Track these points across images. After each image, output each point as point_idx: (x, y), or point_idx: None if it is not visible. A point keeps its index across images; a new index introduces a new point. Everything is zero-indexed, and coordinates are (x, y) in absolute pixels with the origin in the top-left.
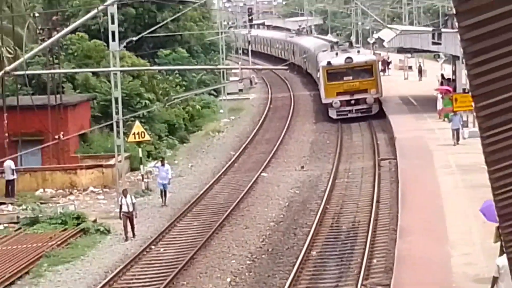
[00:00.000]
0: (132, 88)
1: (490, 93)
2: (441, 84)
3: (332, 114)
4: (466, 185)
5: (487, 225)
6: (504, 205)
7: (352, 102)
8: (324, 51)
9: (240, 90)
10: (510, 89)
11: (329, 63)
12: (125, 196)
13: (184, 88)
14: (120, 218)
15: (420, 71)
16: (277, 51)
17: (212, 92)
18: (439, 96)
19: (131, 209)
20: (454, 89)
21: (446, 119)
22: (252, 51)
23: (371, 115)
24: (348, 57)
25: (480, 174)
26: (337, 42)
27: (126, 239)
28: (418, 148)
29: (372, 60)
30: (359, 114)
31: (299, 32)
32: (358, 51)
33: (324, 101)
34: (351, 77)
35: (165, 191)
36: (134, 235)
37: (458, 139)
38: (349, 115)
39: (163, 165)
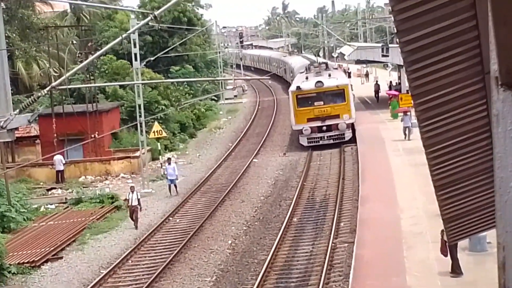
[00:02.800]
0: (151, 97)
1: (425, 92)
2: (389, 87)
3: (303, 141)
4: (411, 164)
5: (428, 193)
6: (438, 178)
7: (324, 128)
8: (301, 72)
9: (235, 96)
10: (440, 89)
11: (298, 87)
12: (132, 192)
13: (191, 95)
14: (128, 210)
15: (367, 75)
16: (271, 67)
17: (213, 97)
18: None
19: (135, 203)
20: (400, 91)
21: (392, 118)
22: (245, 66)
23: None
24: (319, 81)
25: (421, 155)
26: (312, 64)
27: (136, 227)
28: (373, 137)
29: (344, 84)
30: (331, 141)
31: (292, 52)
32: (329, 75)
33: (294, 127)
34: (322, 102)
35: (175, 185)
36: (136, 227)
37: (409, 136)
38: (321, 142)
39: (169, 163)
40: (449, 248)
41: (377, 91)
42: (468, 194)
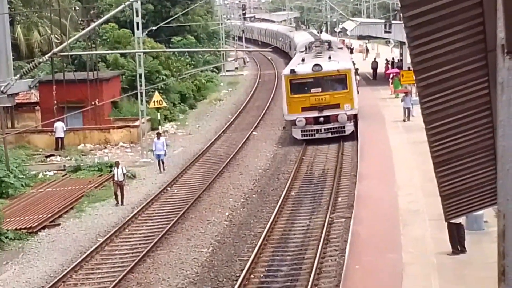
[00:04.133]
0: (152, 66)
1: (427, 68)
2: (387, 65)
3: (296, 134)
4: (410, 141)
5: (426, 171)
6: (438, 155)
7: (321, 119)
8: (301, 51)
9: (236, 68)
10: (442, 65)
11: (292, 71)
12: (117, 167)
13: (192, 66)
14: (113, 186)
15: (368, 51)
16: (277, 42)
17: (214, 69)
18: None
19: (121, 179)
20: (401, 68)
21: (397, 97)
22: (252, 39)
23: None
24: (316, 64)
25: (420, 133)
26: (314, 42)
27: (117, 204)
28: (373, 113)
29: (346, 69)
30: (329, 135)
31: (298, 27)
32: (330, 57)
33: (286, 117)
34: (320, 89)
35: (162, 161)
36: (122, 203)
37: (409, 117)
38: (317, 136)
39: (158, 138)
40: (449, 226)
41: (375, 68)
42: (466, 171)
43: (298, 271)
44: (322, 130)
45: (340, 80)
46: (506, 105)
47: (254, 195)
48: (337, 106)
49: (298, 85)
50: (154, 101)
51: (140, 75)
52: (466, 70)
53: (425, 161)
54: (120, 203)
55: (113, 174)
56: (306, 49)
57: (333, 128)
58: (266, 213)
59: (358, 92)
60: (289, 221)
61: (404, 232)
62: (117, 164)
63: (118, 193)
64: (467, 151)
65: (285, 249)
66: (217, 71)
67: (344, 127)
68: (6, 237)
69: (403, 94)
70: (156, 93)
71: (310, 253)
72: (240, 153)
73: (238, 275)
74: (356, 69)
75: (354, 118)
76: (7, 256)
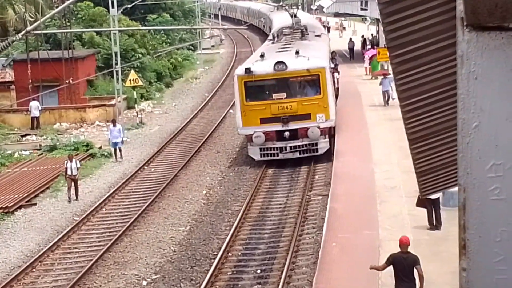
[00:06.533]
0: (127, 45)
1: (401, 45)
2: (363, 43)
3: (254, 153)
4: (386, 118)
5: (402, 148)
6: (412, 132)
7: (286, 134)
8: (270, 40)
9: (212, 46)
10: (416, 42)
11: (248, 70)
12: (71, 161)
13: (168, 44)
14: (65, 180)
15: (344, 28)
16: (259, 23)
17: (191, 47)
18: (367, 56)
19: (75, 173)
20: (378, 45)
21: (375, 79)
22: (236, 19)
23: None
24: (279, 62)
25: (396, 110)
26: (284, 28)
27: (69, 201)
28: (350, 91)
29: (318, 67)
30: (297, 155)
31: (280, 7)
32: (297, 52)
33: (240, 131)
34: (284, 94)
35: (119, 149)
36: (77, 197)
37: (388, 100)
38: (281, 156)
39: (114, 125)
40: (423, 201)
41: (351, 49)
42: (441, 148)
43: (276, 249)
44: (288, 149)
45: (311, 82)
46: (465, 78)
47: (231, 173)
48: (307, 116)
49: (256, 89)
50: (130, 80)
51: (116, 53)
52: (440, 46)
53: (401, 138)
54: (74, 198)
55: (66, 168)
56: (273, 37)
57: (302, 146)
58: (243, 191)
59: (337, 97)
60: (266, 199)
61: (381, 208)
62: (70, 157)
63: (72, 188)
64: (441, 127)
65: (262, 227)
66: (193, 49)
67: (316, 144)
68: None
69: (382, 77)
70: (132, 71)
71: (287, 231)
72: (216, 131)
73: (215, 253)
74: (335, 66)
75: (330, 132)
76: None
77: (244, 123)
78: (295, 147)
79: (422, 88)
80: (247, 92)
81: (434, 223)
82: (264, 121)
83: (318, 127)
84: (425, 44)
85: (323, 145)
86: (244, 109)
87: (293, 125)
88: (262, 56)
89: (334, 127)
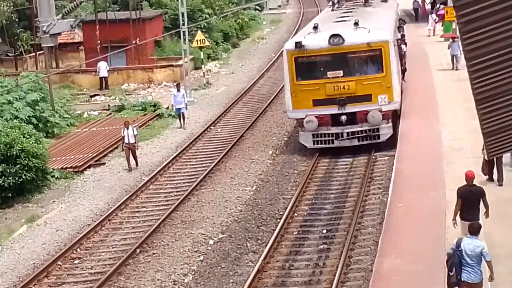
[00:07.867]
0: (195, 5)
1: (468, 4)
2: (423, 2)
3: (305, 140)
4: (454, 79)
5: (469, 109)
6: (479, 92)
7: (342, 119)
8: (329, 7)
9: (279, 6)
10: (484, 0)
11: (299, 45)
12: (127, 128)
13: (235, 4)
14: (123, 150)
15: None
16: None
17: (257, 7)
18: (433, 16)
19: (132, 141)
20: (446, 3)
21: (445, 41)
22: None
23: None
24: (335, 35)
25: (464, 70)
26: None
27: (130, 170)
28: (417, 51)
29: (381, 40)
30: (355, 142)
31: None
32: (356, 22)
33: (290, 115)
34: (341, 72)
35: (183, 115)
36: (137, 164)
37: (457, 65)
38: (337, 143)
39: (178, 90)
40: (490, 162)
41: (416, 9)
42: (508, 108)
43: (342, 209)
44: (344, 135)
45: (372, 58)
46: None
47: (297, 134)
48: (367, 98)
49: (308, 67)
50: (197, 40)
51: (183, 14)
52: (509, 5)
53: (468, 99)
54: (134, 166)
55: (123, 136)
56: (333, 3)
57: (361, 131)
58: (309, 151)
59: (404, 72)
60: (333, 160)
61: (448, 169)
62: (126, 124)
63: (131, 157)
64: (510, 87)
65: (328, 188)
66: (260, 9)
67: (377, 129)
68: (53, 176)
69: (450, 40)
70: (199, 32)
71: (353, 191)
72: (283, 92)
73: (281, 213)
74: (402, 36)
75: (393, 115)
76: (53, 194)
77: (295, 106)
78: (353, 133)
79: (490, 48)
80: (298, 69)
81: (495, 177)
82: (317, 103)
83: (380, 110)
84: (493, 3)
85: (385, 131)
86: (295, 89)
87: (350, 108)
88: (315, 27)
89: (397, 110)
